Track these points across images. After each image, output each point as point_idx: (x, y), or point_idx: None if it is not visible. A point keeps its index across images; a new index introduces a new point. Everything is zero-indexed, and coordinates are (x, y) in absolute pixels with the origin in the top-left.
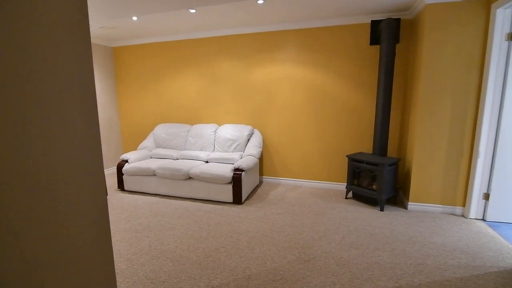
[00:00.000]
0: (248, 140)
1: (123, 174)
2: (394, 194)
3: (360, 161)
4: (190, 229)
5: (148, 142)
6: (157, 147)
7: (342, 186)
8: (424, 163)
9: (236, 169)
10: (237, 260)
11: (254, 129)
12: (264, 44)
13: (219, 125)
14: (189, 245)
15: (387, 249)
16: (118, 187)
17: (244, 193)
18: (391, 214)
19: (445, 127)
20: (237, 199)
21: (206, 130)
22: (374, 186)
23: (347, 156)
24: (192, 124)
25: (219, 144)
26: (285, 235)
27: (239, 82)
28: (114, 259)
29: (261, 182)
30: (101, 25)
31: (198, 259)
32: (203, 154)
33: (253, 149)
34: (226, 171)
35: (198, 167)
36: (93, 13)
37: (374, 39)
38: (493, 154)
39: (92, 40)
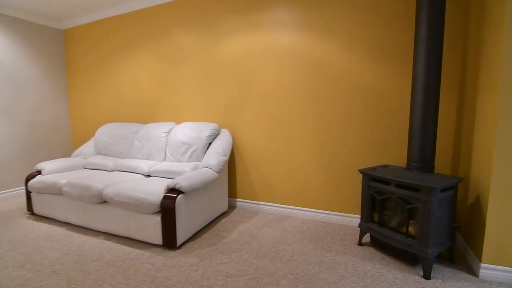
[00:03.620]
0: (210, 144)
1: (30, 192)
2: (450, 245)
3: (385, 181)
4: None
5: (86, 147)
6: (97, 154)
7: (355, 220)
8: (509, 188)
9: (170, 190)
10: None
11: (222, 129)
12: (237, 2)
13: (178, 124)
14: None
15: None
16: (28, 209)
17: (183, 230)
18: None
19: None
20: (169, 241)
21: (157, 131)
22: (411, 229)
23: (361, 171)
24: (145, 123)
25: (171, 150)
26: None
27: (204, 63)
28: None
29: (232, 207)
30: None
31: None
32: (145, 165)
33: (213, 157)
34: (155, 192)
35: (116, 185)
36: None
37: None
38: None
39: (37, 20)
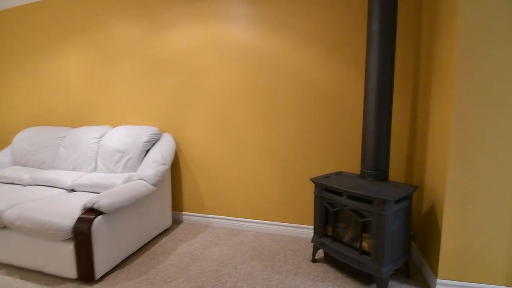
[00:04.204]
0: (147, 151)
1: None
2: (406, 260)
3: (337, 191)
4: None
5: (1, 156)
6: (14, 164)
7: (311, 232)
8: (468, 197)
9: (87, 211)
10: None
11: (164, 134)
12: None
13: (115, 128)
14: None
15: None
16: None
17: (105, 259)
18: None
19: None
20: (85, 273)
21: (86, 136)
22: (365, 245)
23: (313, 180)
24: (76, 127)
25: (103, 159)
26: None
27: (145, 58)
28: None
29: (177, 222)
30: None
31: None
32: (68, 177)
33: (150, 167)
34: (69, 214)
35: (22, 206)
36: None
37: None
38: None
39: None
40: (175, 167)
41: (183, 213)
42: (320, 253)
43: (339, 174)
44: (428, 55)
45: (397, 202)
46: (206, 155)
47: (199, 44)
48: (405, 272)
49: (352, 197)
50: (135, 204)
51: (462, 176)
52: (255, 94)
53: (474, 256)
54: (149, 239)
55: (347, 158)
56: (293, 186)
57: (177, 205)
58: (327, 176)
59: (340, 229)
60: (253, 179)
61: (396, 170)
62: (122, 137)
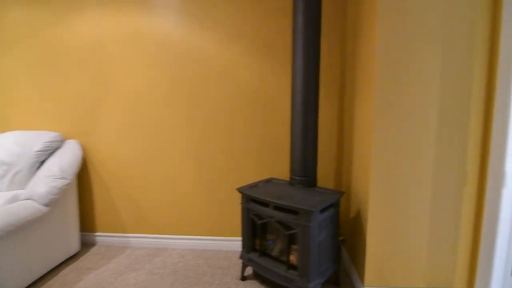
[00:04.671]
0: (42, 162)
1: None
2: (336, 269)
3: (263, 202)
4: None
5: None
6: None
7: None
8: (391, 201)
9: None
10: None
11: (68, 140)
12: None
13: (0, 134)
14: None
15: None
16: None
17: None
18: None
19: (429, 129)
20: None
21: None
22: (293, 258)
23: (239, 190)
24: None
25: None
26: None
27: (41, 49)
28: None
29: (89, 245)
30: None
31: None
32: None
33: (42, 183)
34: None
35: None
36: None
37: None
38: None
39: None
40: (83, 180)
41: (96, 234)
42: (250, 269)
43: (268, 181)
44: (352, 55)
45: (323, 211)
46: (122, 165)
47: (111, 35)
48: (334, 280)
49: (278, 208)
50: (16, 232)
51: (384, 180)
52: (177, 94)
53: (398, 260)
54: (45, 272)
55: (279, 164)
56: (223, 196)
57: (87, 226)
58: (255, 185)
59: (270, 242)
60: (178, 191)
61: (326, 175)
62: (10, 145)
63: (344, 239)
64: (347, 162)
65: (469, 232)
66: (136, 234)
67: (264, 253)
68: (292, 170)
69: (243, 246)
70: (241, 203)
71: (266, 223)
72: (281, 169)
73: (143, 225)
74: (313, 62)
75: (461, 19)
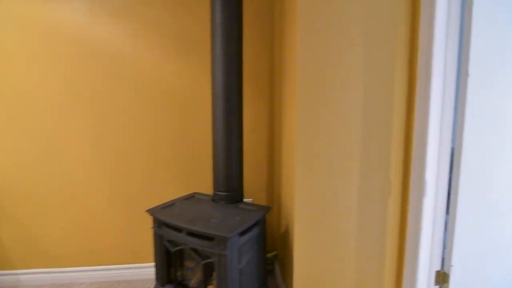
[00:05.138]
0: None
1: None
2: None
3: (176, 227)
4: None
5: None
6: None
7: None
8: (317, 216)
9: None
10: None
11: None
12: None
13: None
14: None
15: None
16: None
17: None
18: None
19: (353, 139)
20: None
21: None
22: None
23: (150, 213)
24: None
25: None
26: None
27: None
28: None
29: None
30: None
31: None
32: None
33: None
34: None
35: None
36: None
37: None
38: (451, 190)
39: None
40: None
41: None
42: None
43: (190, 198)
44: (279, 55)
45: (244, 233)
46: (9, 186)
47: None
48: None
49: (191, 232)
50: None
51: (309, 194)
52: (79, 96)
53: (327, 275)
54: None
55: (206, 176)
56: (140, 216)
57: None
58: (171, 204)
59: (189, 270)
60: (83, 214)
61: (258, 187)
62: None
63: (277, 254)
64: (277, 172)
65: (395, 243)
66: (29, 270)
67: (181, 283)
68: (215, 185)
69: (157, 278)
70: (153, 227)
71: (181, 251)
72: (208, 182)
73: (38, 257)
74: (235, 60)
75: (383, 21)
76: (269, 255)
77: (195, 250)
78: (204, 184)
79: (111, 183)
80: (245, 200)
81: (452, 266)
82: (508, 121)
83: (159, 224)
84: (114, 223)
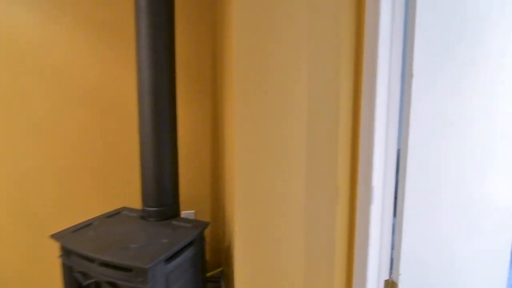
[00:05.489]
0: None
1: None
2: None
3: (87, 257)
4: None
5: None
6: None
7: None
8: (258, 228)
9: None
10: None
11: None
12: None
13: None
14: None
15: None
16: None
17: None
18: None
19: (299, 144)
20: None
21: None
22: None
23: (54, 238)
24: None
25: None
26: None
27: None
28: None
29: None
30: None
31: None
32: None
33: None
34: None
35: None
36: None
37: None
38: (398, 196)
39: None
40: None
41: None
42: None
43: (115, 214)
44: (220, 50)
45: (172, 257)
46: None
47: None
48: None
49: (104, 262)
50: None
51: (250, 203)
52: None
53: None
54: None
55: (138, 188)
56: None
57: None
58: (88, 224)
59: None
60: None
61: (201, 197)
62: None
63: (223, 271)
64: (222, 180)
65: (344, 253)
66: None
67: None
68: (144, 200)
69: None
70: (60, 256)
71: (97, 283)
72: (135, 193)
73: None
74: (166, 53)
75: (326, 15)
76: (213, 272)
77: (112, 284)
78: (137, 196)
79: (13, 200)
80: (185, 212)
81: (400, 275)
82: (453, 121)
83: (67, 253)
84: (17, 249)
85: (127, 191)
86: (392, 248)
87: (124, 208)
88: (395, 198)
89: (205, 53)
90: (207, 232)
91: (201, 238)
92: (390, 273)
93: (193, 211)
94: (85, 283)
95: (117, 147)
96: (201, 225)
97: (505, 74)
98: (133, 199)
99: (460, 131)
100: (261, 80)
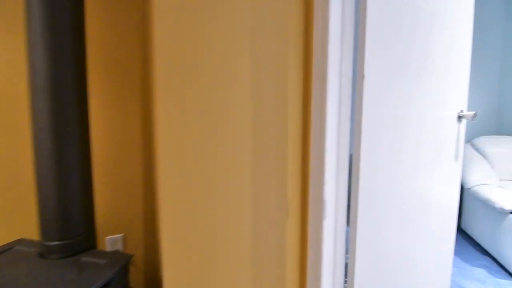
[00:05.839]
0: None
1: None
2: None
3: None
4: None
5: None
6: None
7: None
8: (194, 248)
9: None
10: None
11: None
12: None
13: None
14: None
15: None
16: None
17: None
18: None
19: (243, 145)
20: None
21: None
22: None
23: None
24: None
25: None
26: None
27: None
28: None
29: None
30: None
31: None
32: None
33: None
34: None
35: None
36: None
37: None
38: (351, 209)
39: None
40: None
41: None
42: None
43: (6, 250)
44: (149, 43)
45: None
46: None
47: None
48: None
49: None
50: None
51: (178, 231)
52: None
53: None
54: None
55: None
56: None
57: None
58: None
59: None
60: None
61: (130, 217)
62: None
63: None
64: (155, 195)
65: (295, 274)
66: None
67: None
68: (42, 232)
69: None
70: None
71: None
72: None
73: None
74: (70, 39)
75: (273, 9)
76: None
77: None
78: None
79: None
80: (110, 238)
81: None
82: (408, 125)
83: None
84: None
85: (28, 218)
86: (346, 263)
87: (21, 240)
88: (348, 207)
89: (130, 43)
90: (140, 257)
91: (121, 277)
92: (345, 281)
93: (121, 234)
94: None
95: (16, 165)
96: (120, 260)
97: (451, 79)
98: (34, 227)
99: (409, 133)
100: (193, 78)
